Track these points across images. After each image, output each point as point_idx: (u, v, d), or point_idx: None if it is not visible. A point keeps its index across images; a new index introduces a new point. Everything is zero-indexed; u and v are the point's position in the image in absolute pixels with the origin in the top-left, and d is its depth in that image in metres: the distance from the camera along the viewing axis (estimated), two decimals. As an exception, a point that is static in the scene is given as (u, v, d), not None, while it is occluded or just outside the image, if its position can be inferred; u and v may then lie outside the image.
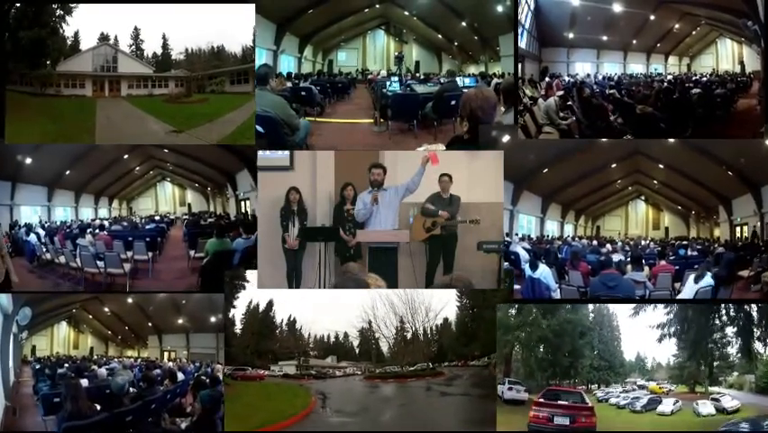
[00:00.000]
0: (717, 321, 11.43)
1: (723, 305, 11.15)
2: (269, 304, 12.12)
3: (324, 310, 12.00)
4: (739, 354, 11.54)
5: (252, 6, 10.94)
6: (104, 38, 12.28)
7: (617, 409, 11.84)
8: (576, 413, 10.31)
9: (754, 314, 11.05)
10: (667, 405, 11.51)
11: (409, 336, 13.08)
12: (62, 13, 11.68)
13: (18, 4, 11.28)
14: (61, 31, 11.81)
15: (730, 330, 11.41)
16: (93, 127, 11.47)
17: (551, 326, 11.67)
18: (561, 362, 12.04)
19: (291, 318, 12.71)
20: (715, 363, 11.82)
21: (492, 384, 11.46)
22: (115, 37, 12.34)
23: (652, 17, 12.60)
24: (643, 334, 11.66)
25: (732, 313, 11.23)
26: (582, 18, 12.51)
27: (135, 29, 12.32)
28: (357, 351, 13.75)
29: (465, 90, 11.66)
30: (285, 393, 12.18)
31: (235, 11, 10.94)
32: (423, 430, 10.97)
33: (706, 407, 11.29)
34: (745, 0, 10.91)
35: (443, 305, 12.57)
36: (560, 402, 10.46)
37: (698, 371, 11.93)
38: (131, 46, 12.48)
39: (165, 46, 12.41)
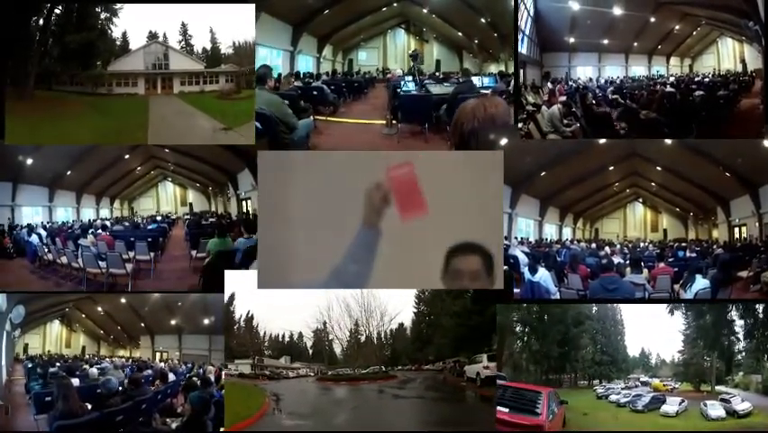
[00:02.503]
0: (727, 317, 10.63)
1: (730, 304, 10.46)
2: (231, 299, 10.84)
3: (281, 309, 11.28)
4: (747, 353, 10.70)
5: (252, 6, 10.30)
6: (152, 36, 11.70)
7: (617, 407, 10.90)
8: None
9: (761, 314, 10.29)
10: (672, 405, 10.52)
11: (363, 338, 12.69)
12: (108, 15, 11.25)
13: (57, 11, 10.98)
14: (110, 32, 11.35)
15: (739, 327, 10.61)
16: (146, 124, 10.85)
17: (531, 308, 10.76)
18: (551, 352, 11.04)
19: (249, 315, 11.89)
20: (721, 361, 10.96)
21: (446, 388, 11.43)
22: (164, 34, 11.73)
23: (652, 19, 11.96)
24: (647, 328, 10.67)
25: (742, 310, 10.44)
26: (582, 22, 11.80)
27: (183, 25, 11.67)
28: (310, 352, 13.32)
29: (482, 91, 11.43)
30: (240, 393, 11.34)
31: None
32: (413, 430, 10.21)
33: (715, 409, 10.22)
34: (745, -1, 10.42)
35: (399, 310, 12.21)
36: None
37: (703, 368, 11.06)
38: (180, 42, 11.88)
39: (213, 40, 11.73)
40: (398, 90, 12.76)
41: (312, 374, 13.11)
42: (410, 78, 13.11)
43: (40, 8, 10.77)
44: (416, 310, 12.51)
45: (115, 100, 11.52)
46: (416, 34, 14.41)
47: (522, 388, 9.33)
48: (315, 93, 12.61)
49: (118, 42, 11.49)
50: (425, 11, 14.12)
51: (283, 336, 13.10)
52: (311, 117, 11.39)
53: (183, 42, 11.80)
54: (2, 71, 10.13)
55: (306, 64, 13.73)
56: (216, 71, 11.73)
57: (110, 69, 11.59)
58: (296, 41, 13.20)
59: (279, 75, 11.57)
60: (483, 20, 13.53)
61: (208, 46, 11.74)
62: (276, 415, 10.61)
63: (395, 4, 13.83)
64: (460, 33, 14.35)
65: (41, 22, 10.85)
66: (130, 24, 11.33)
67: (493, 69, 13.69)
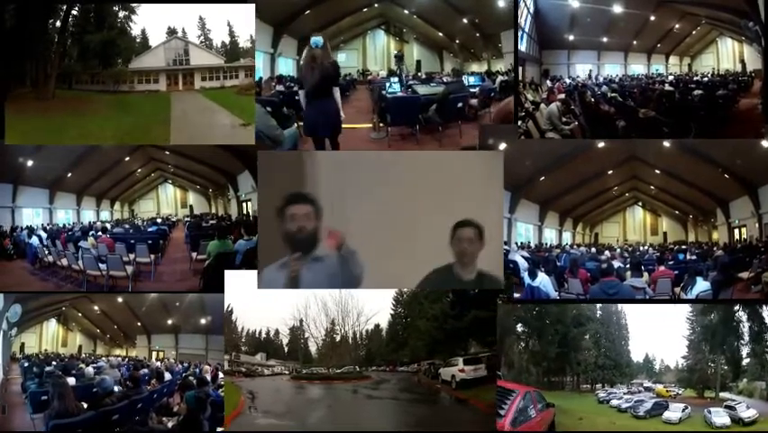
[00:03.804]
0: (733, 322, 10.44)
1: (737, 307, 10.33)
2: (213, 294, 11.30)
3: (259, 305, 10.77)
4: (752, 358, 10.44)
5: (252, 6, 10.13)
6: (171, 32, 11.62)
7: (619, 412, 10.56)
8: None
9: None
10: (674, 411, 10.12)
11: (338, 338, 12.63)
12: (127, 13, 11.25)
13: (74, 12, 11.02)
14: (129, 30, 11.34)
15: (745, 334, 10.41)
16: (168, 121, 10.78)
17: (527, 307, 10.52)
18: (548, 352, 10.80)
19: (229, 309, 11.11)
20: (726, 367, 10.68)
21: (421, 390, 11.56)
22: (183, 29, 11.61)
23: (652, 17, 11.77)
24: (652, 333, 10.50)
25: (747, 317, 10.33)
26: (582, 20, 11.66)
27: (201, 19, 11.50)
28: (286, 349, 13.23)
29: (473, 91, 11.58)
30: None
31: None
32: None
33: (720, 416, 9.77)
34: (746, -1, 10.31)
35: (375, 311, 12.16)
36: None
37: (707, 374, 10.75)
38: (199, 37, 11.78)
39: (231, 34, 11.57)
40: (384, 92, 12.42)
41: (287, 372, 13.03)
42: (396, 79, 12.82)
43: (55, 10, 10.76)
44: (392, 312, 12.48)
45: (137, 97, 11.51)
46: (395, 35, 14.12)
47: (500, 386, 9.22)
48: (297, 98, 12.18)
49: (138, 40, 11.46)
50: (405, 12, 13.83)
51: (259, 333, 12.96)
52: (295, 125, 10.90)
53: (202, 37, 11.71)
54: (2, 72, 10.05)
55: (286, 67, 13.35)
56: (236, 66, 11.63)
57: (131, 67, 11.58)
58: (276, 42, 12.81)
59: (260, 79, 11.26)
60: (465, 20, 13.32)
61: (227, 40, 11.65)
62: (251, 414, 10.45)
63: (376, 5, 13.51)
64: (440, 34, 14.10)
65: (57, 24, 10.84)
66: (149, 21, 11.28)
67: (475, 68, 13.49)
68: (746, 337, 10.37)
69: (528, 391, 9.20)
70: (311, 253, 6.26)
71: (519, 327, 10.58)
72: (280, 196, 8.15)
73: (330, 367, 12.56)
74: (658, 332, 10.35)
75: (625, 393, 10.94)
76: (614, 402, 10.78)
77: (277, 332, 12.88)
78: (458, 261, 6.68)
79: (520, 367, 10.56)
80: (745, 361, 10.52)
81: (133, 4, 11.03)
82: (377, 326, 12.42)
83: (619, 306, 10.39)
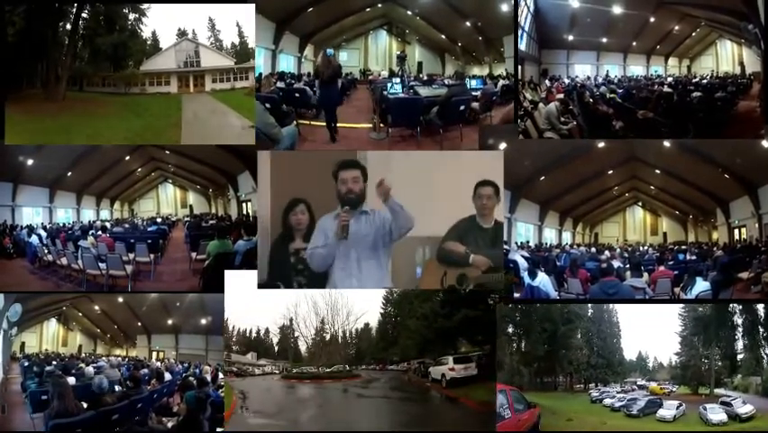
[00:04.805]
0: (726, 317, 10.39)
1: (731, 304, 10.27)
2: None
3: (249, 304, 10.57)
4: (747, 354, 10.40)
5: (252, 6, 10.28)
6: (182, 33, 11.68)
7: (612, 411, 10.46)
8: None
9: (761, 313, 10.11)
10: (669, 409, 9.97)
11: (328, 337, 12.63)
12: (137, 15, 11.31)
13: (85, 15, 11.12)
14: (140, 32, 11.41)
15: (739, 328, 10.37)
16: (179, 123, 10.91)
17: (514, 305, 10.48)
18: (536, 351, 10.77)
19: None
20: (720, 363, 10.64)
21: (411, 389, 11.67)
22: (193, 31, 11.69)
23: (651, 19, 11.79)
24: (644, 331, 10.45)
25: (741, 311, 10.28)
26: (582, 20, 11.67)
27: (210, 20, 11.49)
28: (276, 349, 13.27)
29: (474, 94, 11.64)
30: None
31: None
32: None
33: (716, 412, 9.67)
34: (745, 1, 10.20)
35: (365, 310, 12.21)
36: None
37: (701, 371, 10.69)
38: (209, 38, 11.78)
39: (240, 35, 11.49)
40: (385, 93, 12.29)
41: (277, 372, 13.05)
42: (397, 80, 12.74)
43: (66, 13, 10.82)
44: (382, 311, 12.53)
45: (149, 99, 11.54)
46: (398, 36, 14.04)
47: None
48: (297, 95, 12.22)
49: (149, 42, 11.50)
50: (408, 13, 13.65)
51: (250, 332, 12.96)
52: (294, 123, 10.95)
53: (212, 38, 11.71)
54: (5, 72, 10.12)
55: (287, 64, 13.28)
56: (246, 67, 11.53)
57: (142, 69, 11.62)
58: (278, 39, 12.72)
59: (260, 75, 11.26)
60: (468, 23, 13.20)
61: (236, 41, 11.61)
62: (243, 413, 10.52)
63: (379, 5, 13.34)
64: (443, 36, 13.95)
65: (68, 26, 10.89)
66: (159, 23, 11.33)
67: (476, 71, 13.37)
68: (740, 332, 10.34)
69: (504, 390, 9.26)
70: (358, 209, 7.59)
71: (508, 327, 10.53)
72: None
73: (320, 366, 12.57)
74: (651, 329, 10.32)
75: (618, 392, 10.84)
76: (607, 401, 10.69)
77: (267, 331, 12.92)
78: (479, 213, 8.27)
79: (511, 368, 10.49)
80: (740, 356, 10.48)
81: (143, 6, 11.04)
82: (367, 324, 12.50)
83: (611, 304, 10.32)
